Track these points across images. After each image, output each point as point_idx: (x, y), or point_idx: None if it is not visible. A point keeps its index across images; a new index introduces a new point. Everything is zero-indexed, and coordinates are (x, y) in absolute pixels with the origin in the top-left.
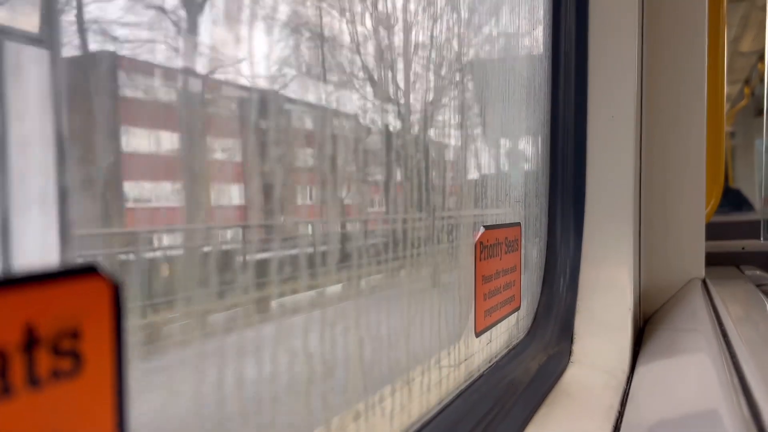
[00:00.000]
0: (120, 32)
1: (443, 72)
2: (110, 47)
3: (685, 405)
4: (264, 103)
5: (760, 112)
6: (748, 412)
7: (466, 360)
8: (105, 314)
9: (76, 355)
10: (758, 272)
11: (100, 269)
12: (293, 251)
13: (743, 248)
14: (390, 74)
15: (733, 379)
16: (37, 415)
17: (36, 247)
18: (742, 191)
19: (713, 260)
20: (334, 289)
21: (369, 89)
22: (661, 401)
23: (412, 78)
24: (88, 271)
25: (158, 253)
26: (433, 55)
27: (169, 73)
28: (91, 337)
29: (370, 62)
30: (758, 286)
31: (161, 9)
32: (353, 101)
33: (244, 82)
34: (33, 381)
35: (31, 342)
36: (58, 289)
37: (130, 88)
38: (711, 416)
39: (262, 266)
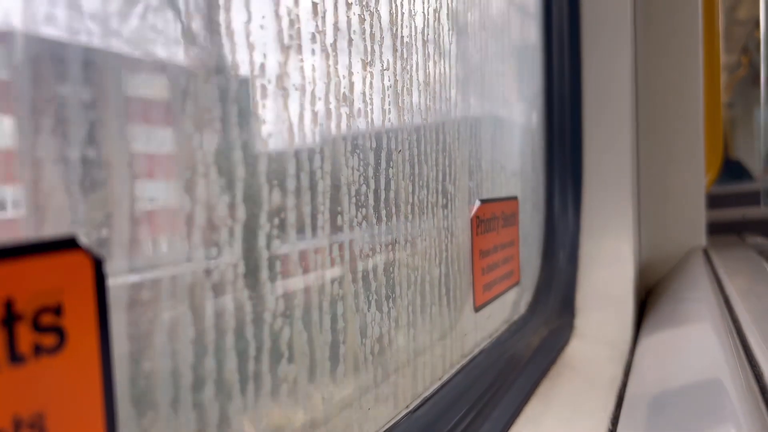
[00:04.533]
0: None
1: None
2: None
3: (689, 375)
4: None
5: (756, 81)
6: (754, 381)
7: (466, 334)
8: (87, 289)
9: (59, 330)
10: (760, 240)
11: (81, 243)
12: None
13: (743, 216)
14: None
15: (737, 347)
16: (20, 391)
17: None
18: (742, 162)
19: (714, 230)
20: None
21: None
22: (665, 372)
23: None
24: (68, 245)
25: None
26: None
27: None
28: (74, 312)
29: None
30: (760, 253)
31: None
32: None
33: None
34: (15, 357)
35: (11, 317)
36: (37, 263)
37: None
38: (715, 385)
39: None
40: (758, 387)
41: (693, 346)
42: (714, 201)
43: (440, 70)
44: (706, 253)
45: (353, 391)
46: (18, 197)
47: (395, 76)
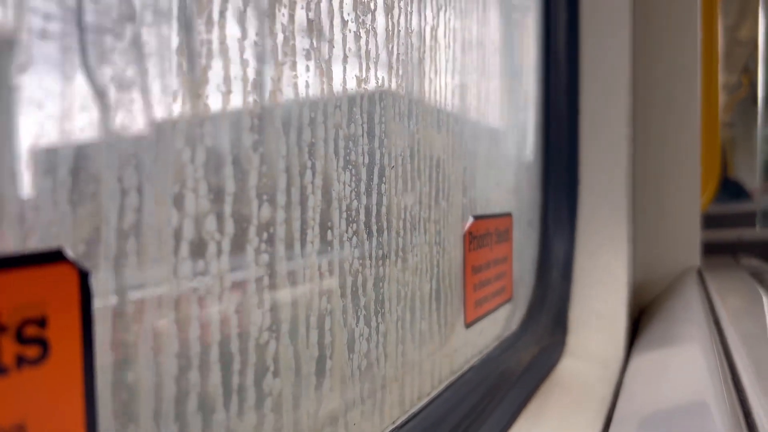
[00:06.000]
0: None
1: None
2: None
3: (677, 397)
4: None
5: (757, 101)
6: (738, 404)
7: (456, 350)
8: (72, 301)
9: (43, 342)
10: (754, 261)
11: (67, 255)
12: None
13: (739, 237)
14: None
15: (724, 370)
16: (1, 402)
17: None
18: (741, 181)
19: (710, 250)
20: None
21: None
22: (654, 393)
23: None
24: (54, 257)
25: None
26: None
27: None
28: (58, 324)
29: None
30: (753, 275)
31: None
32: None
33: None
34: None
35: None
36: (23, 275)
37: None
38: (701, 408)
39: None
40: (742, 411)
41: (682, 368)
42: (711, 221)
43: (436, 86)
44: (700, 273)
45: (339, 406)
46: None
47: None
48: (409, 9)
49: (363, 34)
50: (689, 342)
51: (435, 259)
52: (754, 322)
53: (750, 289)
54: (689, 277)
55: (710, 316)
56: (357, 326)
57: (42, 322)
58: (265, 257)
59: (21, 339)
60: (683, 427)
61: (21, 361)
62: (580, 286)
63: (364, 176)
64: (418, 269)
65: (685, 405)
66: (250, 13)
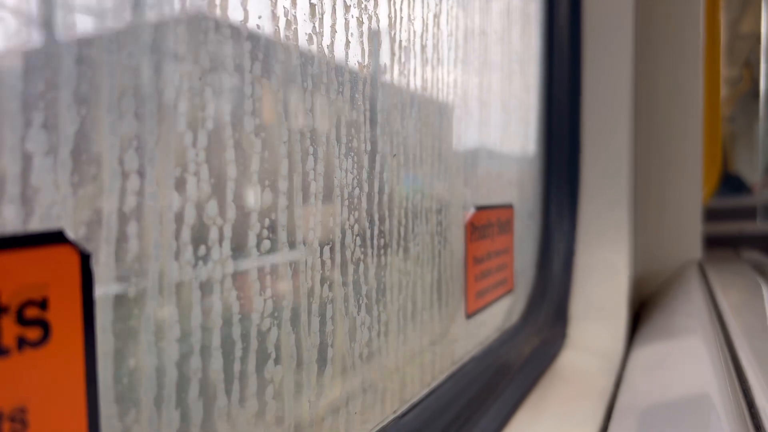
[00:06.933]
0: None
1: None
2: None
3: (679, 389)
4: None
5: (758, 96)
6: (741, 396)
7: (457, 341)
8: (73, 283)
9: (44, 324)
10: (755, 254)
11: (68, 237)
12: None
13: (740, 230)
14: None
15: (727, 362)
16: (2, 384)
17: None
18: (742, 176)
19: (712, 243)
20: None
21: None
22: (655, 384)
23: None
24: (56, 238)
25: None
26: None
27: None
28: (59, 306)
29: None
30: (755, 267)
31: None
32: None
33: None
34: None
35: None
36: (24, 256)
37: None
38: (704, 400)
39: None
40: (746, 402)
41: (684, 360)
42: (712, 214)
43: (438, 75)
44: (700, 266)
45: (340, 395)
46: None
47: (392, 79)
48: None
49: (365, 20)
50: (691, 334)
51: (437, 249)
52: (756, 314)
53: (751, 281)
54: (690, 270)
55: (712, 308)
56: (358, 315)
57: (43, 304)
58: (266, 243)
59: (22, 320)
60: (686, 418)
61: (22, 342)
62: (581, 278)
63: (366, 164)
64: (420, 259)
65: (687, 396)
66: None
